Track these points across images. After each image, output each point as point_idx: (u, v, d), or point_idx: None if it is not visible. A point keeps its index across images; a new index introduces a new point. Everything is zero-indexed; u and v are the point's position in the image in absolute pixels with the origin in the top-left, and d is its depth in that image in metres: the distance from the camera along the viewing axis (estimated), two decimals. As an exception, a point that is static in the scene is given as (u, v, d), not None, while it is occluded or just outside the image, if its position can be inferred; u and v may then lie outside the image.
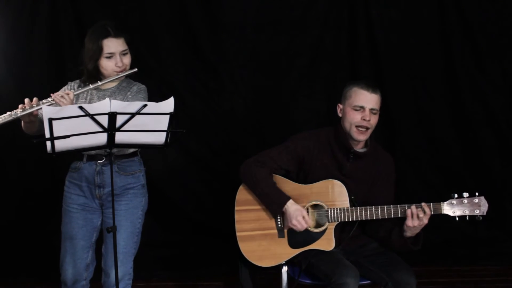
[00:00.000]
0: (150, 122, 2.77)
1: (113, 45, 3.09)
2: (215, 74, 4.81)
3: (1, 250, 4.57)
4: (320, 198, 3.25)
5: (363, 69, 4.84)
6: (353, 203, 3.23)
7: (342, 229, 3.28)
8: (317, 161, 3.29)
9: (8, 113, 2.97)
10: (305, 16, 4.79)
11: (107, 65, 3.10)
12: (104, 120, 2.71)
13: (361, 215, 3.20)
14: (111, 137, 2.76)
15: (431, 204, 3.15)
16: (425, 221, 3.11)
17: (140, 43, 4.65)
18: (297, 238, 3.25)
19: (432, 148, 4.95)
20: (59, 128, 2.67)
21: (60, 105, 2.98)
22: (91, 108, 2.70)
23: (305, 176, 3.31)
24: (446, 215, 3.18)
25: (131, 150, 3.16)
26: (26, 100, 2.99)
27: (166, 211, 4.82)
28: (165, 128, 2.81)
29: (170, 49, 4.77)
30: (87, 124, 2.70)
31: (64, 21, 4.65)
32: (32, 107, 2.97)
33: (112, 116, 2.70)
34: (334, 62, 4.84)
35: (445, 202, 3.17)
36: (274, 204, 3.22)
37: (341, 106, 3.33)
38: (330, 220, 3.23)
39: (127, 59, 3.14)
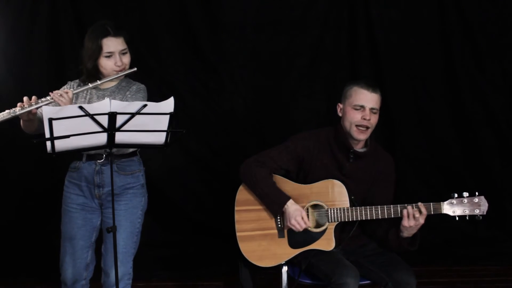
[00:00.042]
0: (150, 122, 2.77)
1: (113, 44, 3.09)
2: (215, 74, 4.81)
3: (1, 250, 4.57)
4: (320, 198, 3.25)
5: (363, 69, 4.84)
6: (353, 203, 3.23)
7: (342, 229, 3.28)
8: (317, 161, 3.29)
9: (7, 111, 2.97)
10: (305, 16, 4.79)
11: (107, 64, 3.10)
12: (104, 120, 2.71)
13: (361, 215, 3.20)
14: (111, 137, 2.76)
15: (431, 204, 3.15)
16: (421, 221, 3.10)
17: (140, 43, 4.65)
18: (297, 238, 3.25)
19: (432, 148, 4.95)
20: (59, 128, 2.67)
21: (59, 104, 2.99)
22: (91, 108, 2.70)
23: (305, 176, 3.31)
24: (446, 215, 3.18)
25: (131, 149, 3.16)
26: (25, 99, 2.99)
27: (166, 211, 4.82)
28: (165, 128, 2.81)
29: (170, 49, 4.77)
30: (87, 124, 2.70)
31: (64, 21, 4.65)
32: (31, 105, 2.98)
33: (112, 116, 2.70)
34: (334, 62, 4.84)
35: (445, 202, 3.17)
36: (274, 204, 3.22)
37: (341, 105, 3.33)
38: (330, 220, 3.23)
39: (126, 59, 3.14)
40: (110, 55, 3.09)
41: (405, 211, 3.11)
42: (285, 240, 3.26)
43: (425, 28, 4.82)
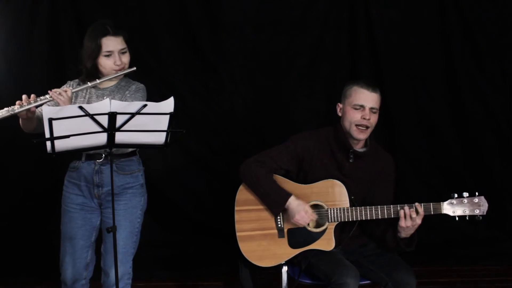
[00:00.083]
0: (150, 122, 2.77)
1: (112, 44, 3.09)
2: (215, 74, 4.81)
3: (1, 250, 4.57)
4: (320, 198, 3.25)
5: (363, 69, 4.84)
6: (353, 203, 3.22)
7: (342, 229, 3.28)
8: (317, 161, 3.29)
9: (6, 109, 2.97)
10: (305, 16, 4.79)
11: (106, 64, 3.10)
12: (104, 120, 2.71)
13: (361, 215, 3.20)
14: (111, 137, 2.76)
15: (431, 204, 3.15)
16: (418, 221, 3.10)
17: (140, 43, 4.65)
18: (297, 238, 3.25)
19: (432, 148, 4.95)
20: (59, 128, 2.67)
21: (58, 102, 3.00)
22: (91, 108, 2.70)
23: (305, 176, 3.31)
24: (446, 215, 3.18)
25: (130, 149, 3.16)
26: (24, 97, 2.99)
27: (166, 211, 4.82)
28: (165, 128, 2.81)
29: (170, 49, 4.77)
30: (87, 124, 2.70)
31: (64, 21, 4.65)
32: (29, 103, 2.98)
33: (112, 116, 2.70)
34: (334, 62, 4.84)
35: (445, 202, 3.17)
36: (276, 202, 3.21)
37: (340, 105, 3.33)
38: (330, 220, 3.23)
39: (125, 58, 3.14)
40: (109, 54, 3.10)
41: (401, 212, 3.10)
42: (285, 240, 3.26)
43: (425, 28, 4.82)
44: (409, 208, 3.11)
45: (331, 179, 3.25)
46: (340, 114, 3.33)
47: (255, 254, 3.26)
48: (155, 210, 4.49)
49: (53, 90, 3.01)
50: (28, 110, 2.98)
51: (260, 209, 3.29)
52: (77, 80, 3.22)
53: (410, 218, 3.08)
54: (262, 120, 4.83)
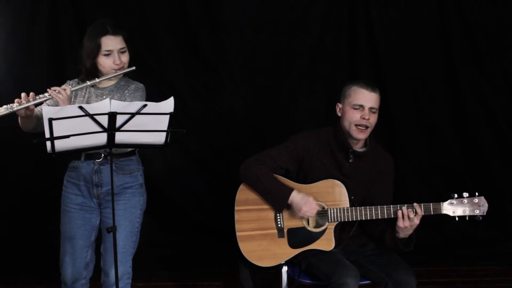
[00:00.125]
0: (150, 122, 2.77)
1: (111, 43, 3.09)
2: (215, 74, 4.81)
3: (1, 250, 4.57)
4: (320, 198, 3.25)
5: (363, 69, 4.84)
6: (353, 203, 3.22)
7: (342, 229, 3.28)
8: (316, 161, 3.28)
9: (4, 106, 2.97)
10: (305, 16, 4.79)
11: (105, 63, 3.10)
12: (104, 120, 2.71)
13: (361, 215, 3.20)
14: (111, 137, 2.76)
15: (431, 204, 3.15)
16: (417, 222, 3.10)
17: (140, 43, 4.65)
18: (297, 238, 3.25)
19: (432, 148, 4.95)
20: (59, 128, 2.67)
21: (57, 101, 3.00)
22: (91, 108, 2.70)
23: (305, 176, 3.30)
24: (446, 215, 3.18)
25: (129, 149, 3.16)
26: (23, 95, 2.99)
27: (166, 211, 4.83)
28: (165, 128, 2.81)
29: (170, 49, 4.78)
30: (87, 124, 2.70)
31: (64, 21, 4.65)
32: (28, 101, 2.98)
33: (112, 116, 2.70)
34: (334, 62, 4.84)
35: (445, 202, 3.17)
36: (279, 198, 3.20)
37: (340, 105, 3.32)
38: (330, 220, 3.23)
39: (125, 57, 3.14)
40: (108, 53, 3.10)
41: (399, 212, 3.10)
42: (285, 240, 3.26)
43: (425, 28, 4.82)
44: (407, 209, 3.10)
45: (331, 179, 3.25)
46: (339, 114, 3.32)
47: (255, 254, 3.26)
48: (155, 210, 4.49)
49: (52, 88, 3.01)
50: (27, 108, 2.98)
51: (260, 209, 3.29)
52: (76, 79, 3.22)
53: (408, 218, 3.08)
54: (262, 120, 4.83)
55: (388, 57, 4.81)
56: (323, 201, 3.24)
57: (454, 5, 4.79)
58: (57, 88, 3.01)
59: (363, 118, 3.21)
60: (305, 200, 3.17)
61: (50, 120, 2.64)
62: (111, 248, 3.05)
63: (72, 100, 3.13)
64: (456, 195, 3.17)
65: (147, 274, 4.38)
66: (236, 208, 3.31)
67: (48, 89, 3.02)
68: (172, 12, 4.75)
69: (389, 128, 4.82)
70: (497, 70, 4.86)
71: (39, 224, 4.64)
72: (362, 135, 3.24)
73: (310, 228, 3.25)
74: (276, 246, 3.26)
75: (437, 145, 4.94)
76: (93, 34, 3.10)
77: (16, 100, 2.98)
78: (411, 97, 4.89)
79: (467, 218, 3.17)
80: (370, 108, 3.23)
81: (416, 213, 3.10)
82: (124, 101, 3.08)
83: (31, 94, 3.00)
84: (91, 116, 2.68)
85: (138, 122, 2.75)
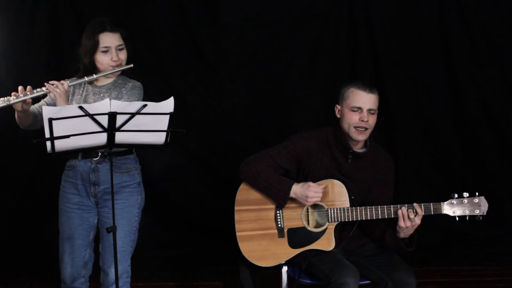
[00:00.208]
0: (150, 122, 2.77)
1: (109, 40, 3.10)
2: (215, 74, 4.82)
3: (1, 250, 4.58)
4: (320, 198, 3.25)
5: (363, 69, 4.84)
6: (353, 203, 3.22)
7: (342, 229, 3.28)
8: (316, 161, 3.28)
9: (1, 99, 2.98)
10: (305, 16, 4.79)
11: (103, 60, 3.11)
12: (104, 120, 2.71)
13: (361, 215, 3.19)
14: (111, 137, 2.76)
15: (431, 204, 3.15)
16: (417, 221, 3.09)
17: (140, 43, 4.65)
18: (297, 238, 3.25)
19: (432, 148, 4.95)
20: (59, 128, 2.67)
21: (54, 95, 3.00)
22: (91, 108, 2.70)
23: (305, 176, 3.30)
24: (446, 215, 3.17)
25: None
26: (20, 88, 3.00)
27: (166, 211, 4.83)
28: (165, 128, 2.81)
29: (170, 49, 4.78)
30: (87, 124, 2.70)
31: (64, 21, 4.65)
32: (26, 95, 2.99)
33: (112, 116, 2.70)
34: (334, 62, 4.85)
35: (445, 202, 3.16)
36: (280, 193, 3.19)
37: (339, 107, 3.31)
38: (330, 220, 3.23)
39: (123, 55, 3.15)
40: (106, 50, 3.10)
41: (399, 212, 3.10)
42: (285, 240, 3.26)
43: (425, 28, 4.83)
44: (407, 209, 3.10)
45: (331, 179, 3.25)
46: (338, 116, 3.31)
47: (255, 254, 3.26)
48: (155, 210, 4.50)
49: (50, 82, 3.02)
50: (24, 102, 2.99)
51: (260, 209, 3.29)
52: (74, 78, 3.22)
53: (409, 218, 3.08)
54: (262, 120, 4.83)
55: (388, 57, 4.82)
56: (323, 201, 3.24)
57: (454, 5, 4.80)
58: (54, 82, 3.02)
59: (362, 120, 3.20)
60: (306, 187, 3.16)
61: (50, 120, 2.64)
62: (109, 247, 3.07)
63: (69, 98, 3.13)
64: (456, 195, 3.17)
65: (147, 274, 4.38)
66: (236, 208, 3.31)
67: (45, 83, 3.03)
68: (172, 12, 4.75)
69: (389, 128, 4.83)
70: (497, 70, 4.87)
71: (38, 224, 4.64)
72: (361, 137, 3.23)
73: (310, 228, 3.25)
74: (276, 246, 3.26)
75: (437, 145, 4.94)
76: (91, 31, 3.11)
77: (13, 94, 2.99)
78: (411, 97, 4.89)
79: (467, 218, 3.17)
80: (369, 110, 3.21)
81: (416, 213, 3.09)
82: (121, 98, 3.09)
83: (28, 87, 3.01)
84: (91, 116, 2.68)
85: (138, 122, 2.75)
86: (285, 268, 3.28)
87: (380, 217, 3.17)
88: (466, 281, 4.40)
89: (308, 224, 3.26)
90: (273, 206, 3.28)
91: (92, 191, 3.14)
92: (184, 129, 2.87)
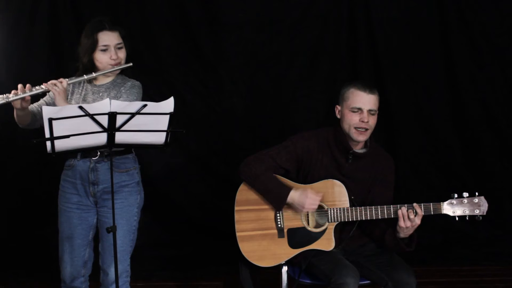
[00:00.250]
0: (150, 122, 2.77)
1: (108, 38, 3.11)
2: (215, 74, 4.82)
3: (1, 250, 4.57)
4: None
5: (363, 69, 4.84)
6: (353, 203, 3.22)
7: (342, 229, 3.28)
8: (316, 161, 3.28)
9: (0, 96, 2.98)
10: (305, 16, 4.79)
11: (102, 58, 3.11)
12: (104, 120, 2.71)
13: (361, 215, 3.19)
14: (111, 137, 2.76)
15: (431, 204, 3.15)
16: (418, 221, 3.09)
17: (140, 43, 4.65)
18: (297, 238, 3.24)
19: (432, 148, 4.95)
20: (59, 128, 2.67)
21: (53, 93, 3.01)
22: (91, 108, 2.70)
23: (305, 176, 3.30)
24: (446, 215, 3.17)
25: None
26: (20, 86, 3.01)
27: (166, 211, 4.83)
28: (165, 128, 2.81)
29: (170, 49, 4.78)
30: (87, 124, 2.70)
31: (64, 21, 4.66)
32: (25, 92, 2.99)
33: (112, 116, 2.70)
34: (334, 62, 4.85)
35: (445, 202, 3.16)
36: (277, 197, 3.20)
37: (339, 107, 3.30)
38: (330, 220, 3.23)
39: (122, 53, 3.15)
40: (105, 49, 3.11)
41: (399, 212, 3.10)
42: (285, 240, 3.26)
43: (425, 28, 4.83)
44: (407, 209, 3.10)
45: (331, 179, 3.25)
46: (339, 116, 3.31)
47: (255, 254, 3.26)
48: (155, 210, 4.50)
49: (49, 82, 3.03)
50: (23, 99, 2.99)
51: (260, 209, 3.29)
52: (73, 77, 3.22)
53: (409, 218, 3.08)
54: (262, 120, 4.83)
55: (388, 57, 4.82)
56: (323, 201, 3.24)
57: (454, 5, 4.80)
58: (53, 81, 3.03)
59: (362, 121, 3.20)
60: (305, 195, 3.16)
61: (50, 120, 2.64)
62: (109, 247, 3.07)
63: (68, 97, 3.14)
64: (456, 195, 3.17)
65: (147, 274, 4.38)
66: (236, 208, 3.31)
67: (44, 84, 3.03)
68: (172, 12, 4.75)
69: (389, 128, 4.83)
70: (497, 70, 4.87)
71: (38, 224, 4.64)
72: (362, 137, 3.23)
73: (310, 228, 3.25)
74: (276, 246, 3.26)
75: (437, 145, 4.94)
76: (90, 30, 3.12)
77: (12, 91, 3.00)
78: (411, 97, 4.89)
79: (467, 218, 3.17)
80: (369, 111, 3.21)
81: (416, 213, 3.09)
82: (120, 97, 3.10)
83: (28, 85, 3.02)
84: (91, 116, 2.68)
85: (138, 122, 2.75)
86: (285, 268, 3.28)
87: (380, 217, 3.17)
88: (466, 281, 4.40)
89: (308, 224, 3.26)
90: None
91: (91, 191, 3.14)
92: (184, 129, 2.87)
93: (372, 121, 3.23)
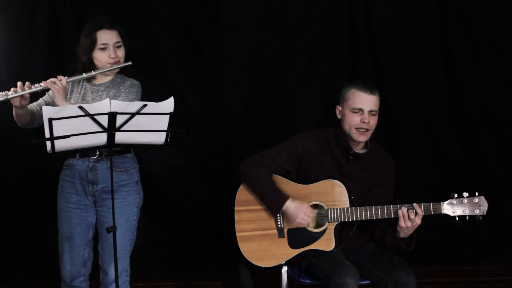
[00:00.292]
0: (150, 122, 2.77)
1: (107, 37, 3.11)
2: (215, 74, 4.82)
3: (1, 250, 4.57)
4: (320, 198, 3.25)
5: (363, 69, 4.84)
6: (353, 203, 3.22)
7: (342, 229, 3.28)
8: (316, 161, 3.28)
9: (0, 93, 2.98)
10: (305, 16, 4.79)
11: (101, 57, 3.11)
12: (104, 120, 2.71)
13: (361, 215, 3.19)
14: (111, 137, 2.76)
15: (431, 204, 3.14)
16: (418, 221, 3.09)
17: (140, 43, 4.65)
18: (297, 238, 3.24)
19: (432, 148, 4.95)
20: (59, 128, 2.67)
21: (52, 91, 3.01)
22: (91, 108, 2.70)
23: (305, 176, 3.30)
24: (446, 215, 3.17)
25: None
26: (19, 83, 3.01)
27: (166, 211, 4.83)
28: (165, 128, 2.81)
29: (170, 49, 4.78)
30: (87, 124, 2.70)
31: (64, 21, 4.66)
32: (24, 90, 2.99)
33: (112, 116, 2.70)
34: (334, 62, 4.85)
35: (445, 202, 3.16)
36: (274, 204, 3.21)
37: (339, 108, 3.30)
38: (330, 220, 3.23)
39: (120, 52, 3.15)
40: (104, 47, 3.11)
41: (399, 212, 3.09)
42: (285, 240, 3.26)
43: (425, 28, 4.83)
44: (407, 209, 3.10)
45: (331, 179, 3.25)
46: (339, 117, 3.30)
47: (255, 254, 3.26)
48: (155, 210, 4.50)
49: (48, 80, 3.03)
50: (22, 97, 2.99)
51: (260, 209, 3.29)
52: (72, 76, 3.22)
53: (409, 218, 3.08)
54: (262, 120, 4.83)
55: (388, 57, 4.81)
56: (323, 201, 3.24)
57: (454, 5, 4.79)
58: (52, 79, 3.03)
59: (363, 122, 3.19)
60: (299, 210, 3.17)
61: (50, 120, 2.64)
62: (108, 247, 3.08)
63: (68, 96, 3.14)
64: (456, 195, 3.16)
65: (147, 274, 4.38)
66: (236, 208, 3.31)
67: (43, 82, 3.03)
68: (172, 12, 4.75)
69: (389, 128, 4.83)
70: (497, 70, 4.87)
71: (38, 223, 4.64)
72: (363, 138, 3.23)
73: (310, 228, 3.25)
74: (276, 246, 3.26)
75: (437, 145, 4.94)
76: (89, 29, 3.13)
77: (11, 89, 3.00)
78: (411, 97, 4.89)
79: (467, 218, 3.17)
80: (370, 111, 3.20)
81: (416, 213, 3.09)
82: (119, 97, 3.10)
83: (27, 83, 3.02)
84: (91, 116, 2.68)
85: (138, 122, 2.75)
86: (285, 268, 3.28)
87: (380, 217, 3.17)
88: (466, 281, 4.40)
89: (308, 224, 3.26)
90: (273, 206, 3.29)
91: (90, 190, 3.14)
92: (184, 129, 2.87)
93: (373, 121, 3.23)
